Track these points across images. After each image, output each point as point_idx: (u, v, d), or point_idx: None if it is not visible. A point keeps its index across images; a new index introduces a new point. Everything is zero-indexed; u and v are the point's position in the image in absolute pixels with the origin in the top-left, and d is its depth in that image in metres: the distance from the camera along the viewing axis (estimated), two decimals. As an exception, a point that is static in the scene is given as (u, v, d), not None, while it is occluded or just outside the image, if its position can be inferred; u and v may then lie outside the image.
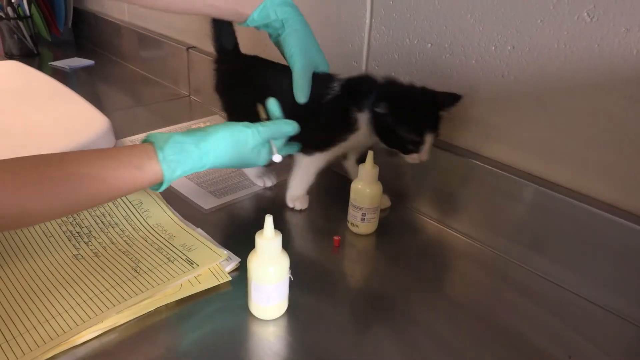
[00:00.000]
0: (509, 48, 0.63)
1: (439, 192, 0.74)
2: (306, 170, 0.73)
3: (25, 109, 0.94)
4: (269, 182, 0.81)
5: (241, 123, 0.61)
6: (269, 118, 0.67)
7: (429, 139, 0.64)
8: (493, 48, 0.64)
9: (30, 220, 0.52)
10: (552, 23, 0.58)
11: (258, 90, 0.71)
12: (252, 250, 0.51)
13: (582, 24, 0.56)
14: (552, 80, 0.60)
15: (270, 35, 0.72)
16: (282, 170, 0.86)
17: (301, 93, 0.67)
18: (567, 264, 0.61)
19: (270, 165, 0.87)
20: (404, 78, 0.75)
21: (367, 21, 0.79)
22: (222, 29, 0.77)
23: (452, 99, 0.64)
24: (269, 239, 0.50)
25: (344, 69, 0.72)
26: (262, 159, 0.63)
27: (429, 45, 0.71)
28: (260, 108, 0.69)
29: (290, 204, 0.75)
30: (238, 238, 0.67)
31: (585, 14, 0.55)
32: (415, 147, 0.64)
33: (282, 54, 0.71)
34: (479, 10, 0.64)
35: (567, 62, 0.58)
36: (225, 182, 0.82)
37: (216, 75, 0.79)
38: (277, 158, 0.64)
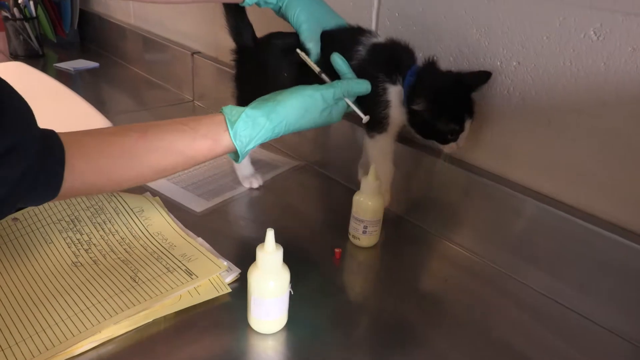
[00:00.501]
0: (515, 64, 0.62)
1: (441, 206, 0.73)
2: (381, 158, 0.70)
3: (29, 111, 0.94)
4: (256, 183, 0.82)
5: (310, 87, 0.61)
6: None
7: (468, 125, 0.63)
8: (498, 63, 0.64)
9: (112, 188, 0.57)
10: (558, 40, 0.58)
11: (276, 69, 0.71)
12: (253, 264, 0.51)
13: (588, 42, 0.55)
14: (558, 97, 0.59)
15: (274, 11, 0.72)
16: (268, 171, 0.87)
17: (313, 57, 0.67)
18: (569, 282, 0.60)
19: (255, 165, 0.87)
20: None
21: (373, 32, 0.79)
22: (237, 19, 0.76)
23: (483, 77, 0.63)
24: (270, 253, 0.49)
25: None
26: (335, 117, 0.64)
27: (434, 58, 0.71)
28: (301, 54, 0.67)
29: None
30: (237, 243, 0.67)
31: (592, 32, 0.55)
32: (455, 136, 0.64)
33: (292, 25, 0.70)
34: (485, 25, 0.64)
35: (573, 79, 0.58)
36: (211, 185, 0.83)
37: (236, 66, 0.78)
38: (365, 118, 0.65)
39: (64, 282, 0.57)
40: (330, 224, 0.76)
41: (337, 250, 0.67)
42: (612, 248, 0.56)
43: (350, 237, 0.69)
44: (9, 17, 1.43)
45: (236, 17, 0.75)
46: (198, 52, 1.20)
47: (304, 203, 0.81)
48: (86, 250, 0.63)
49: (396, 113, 0.67)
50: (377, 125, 0.68)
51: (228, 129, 0.56)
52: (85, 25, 1.66)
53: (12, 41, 1.47)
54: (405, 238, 0.73)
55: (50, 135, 0.48)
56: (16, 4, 1.42)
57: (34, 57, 1.48)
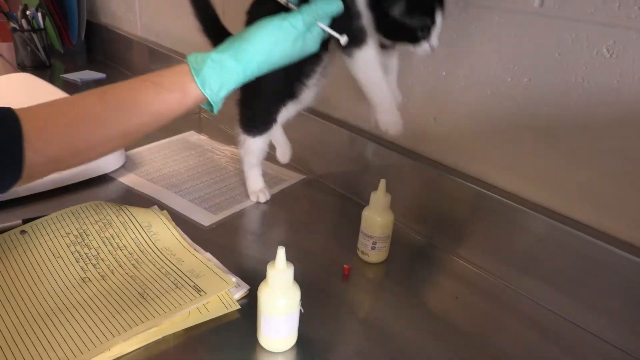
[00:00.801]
0: (526, 80, 0.62)
1: (450, 222, 0.73)
2: (370, 73, 0.64)
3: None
4: (263, 198, 0.82)
5: (276, 17, 0.56)
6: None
7: (439, 18, 0.60)
8: (509, 79, 0.64)
9: (83, 158, 0.53)
10: (570, 57, 0.57)
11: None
12: (263, 281, 0.51)
13: (601, 59, 0.55)
14: (569, 114, 0.59)
15: None
16: (275, 185, 0.88)
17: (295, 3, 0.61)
18: (579, 300, 0.60)
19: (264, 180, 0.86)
20: (416, 112, 0.75)
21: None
22: (221, 35, 0.75)
23: None
24: (281, 271, 0.49)
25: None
26: (311, 46, 0.59)
27: (444, 73, 0.71)
28: None
29: (386, 128, 0.67)
30: (245, 258, 0.67)
31: (605, 49, 0.55)
32: (427, 32, 0.60)
33: None
34: (496, 41, 0.64)
35: (585, 96, 0.57)
36: (217, 198, 0.83)
37: None
38: (343, 40, 0.59)
39: (72, 297, 0.57)
40: (338, 239, 0.75)
41: (345, 266, 0.66)
42: (623, 266, 0.55)
43: (359, 252, 0.69)
44: (17, 28, 1.44)
45: (218, 32, 0.75)
46: (205, 64, 1.20)
47: (311, 217, 0.81)
48: (94, 266, 0.62)
49: (370, 22, 0.62)
50: (352, 40, 0.62)
51: (194, 78, 0.53)
52: (92, 36, 1.67)
53: (19, 52, 1.48)
54: (415, 254, 0.73)
55: (4, 111, 0.46)
56: (24, 16, 1.43)
57: (41, 68, 1.49)
